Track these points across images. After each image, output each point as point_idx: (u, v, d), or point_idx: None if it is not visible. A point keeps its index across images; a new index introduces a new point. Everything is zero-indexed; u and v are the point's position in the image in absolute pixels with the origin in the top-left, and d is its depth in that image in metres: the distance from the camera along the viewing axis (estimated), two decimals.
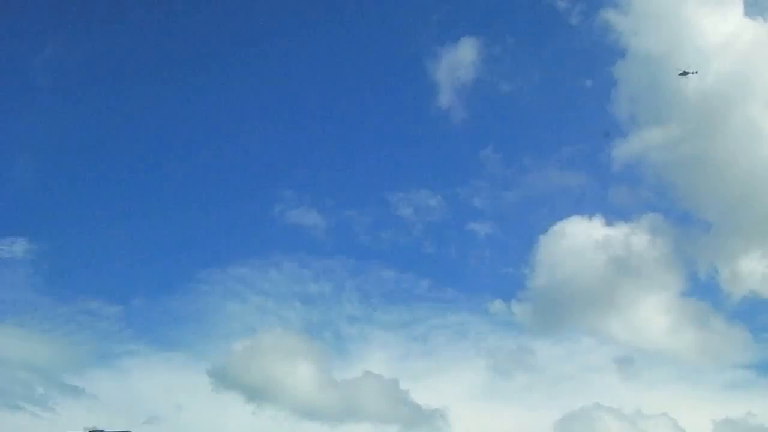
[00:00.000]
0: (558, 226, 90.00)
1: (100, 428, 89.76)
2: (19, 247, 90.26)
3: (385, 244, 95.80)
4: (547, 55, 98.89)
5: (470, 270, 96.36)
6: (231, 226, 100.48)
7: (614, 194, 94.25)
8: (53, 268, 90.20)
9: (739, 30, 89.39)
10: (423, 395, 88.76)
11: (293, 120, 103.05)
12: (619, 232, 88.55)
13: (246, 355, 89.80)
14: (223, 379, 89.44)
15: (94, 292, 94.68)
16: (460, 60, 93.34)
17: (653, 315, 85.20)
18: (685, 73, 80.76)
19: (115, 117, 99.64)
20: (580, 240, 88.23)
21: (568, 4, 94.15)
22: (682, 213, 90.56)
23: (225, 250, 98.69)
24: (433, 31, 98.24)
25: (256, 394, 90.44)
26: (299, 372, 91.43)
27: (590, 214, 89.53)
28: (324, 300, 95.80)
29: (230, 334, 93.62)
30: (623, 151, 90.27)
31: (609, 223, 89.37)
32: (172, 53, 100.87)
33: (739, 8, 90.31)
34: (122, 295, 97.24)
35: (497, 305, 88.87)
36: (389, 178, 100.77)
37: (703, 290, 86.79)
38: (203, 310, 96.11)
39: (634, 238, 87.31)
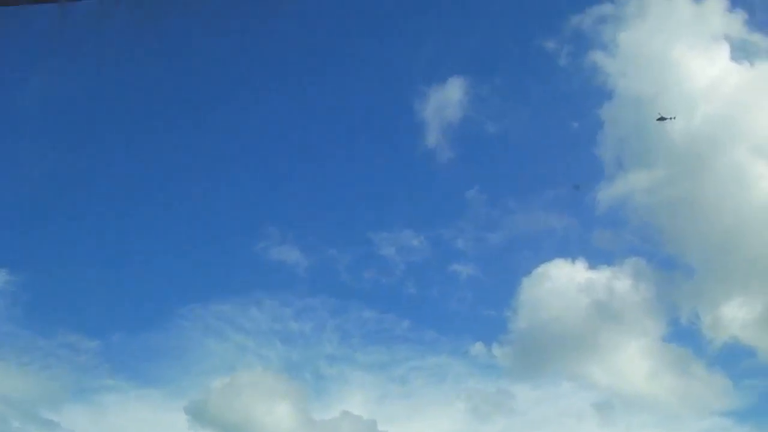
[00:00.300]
0: (541, 269, 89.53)
1: None
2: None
3: (366, 284, 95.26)
4: (535, 96, 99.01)
5: (451, 311, 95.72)
6: (213, 263, 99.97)
7: (598, 237, 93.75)
8: (33, 300, 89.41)
9: (726, 74, 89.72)
10: None
11: (278, 158, 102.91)
12: (601, 275, 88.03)
13: (224, 393, 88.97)
14: (201, 416, 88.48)
15: (73, 326, 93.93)
16: (447, 99, 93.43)
17: (634, 360, 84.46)
18: (662, 119, 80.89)
19: (99, 150, 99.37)
20: (562, 283, 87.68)
21: (557, 45, 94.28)
22: (665, 257, 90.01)
23: (206, 287, 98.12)
24: (420, 70, 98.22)
25: None
26: (277, 411, 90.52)
27: (573, 257, 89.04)
28: (304, 339, 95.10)
29: (209, 371, 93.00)
30: (608, 194, 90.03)
31: (592, 266, 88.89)
32: (159, 89, 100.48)
33: (726, 52, 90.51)
34: (101, 330, 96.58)
35: (478, 348, 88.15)
36: (373, 218, 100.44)
37: (684, 336, 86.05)
38: (182, 347, 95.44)
39: (617, 282, 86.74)
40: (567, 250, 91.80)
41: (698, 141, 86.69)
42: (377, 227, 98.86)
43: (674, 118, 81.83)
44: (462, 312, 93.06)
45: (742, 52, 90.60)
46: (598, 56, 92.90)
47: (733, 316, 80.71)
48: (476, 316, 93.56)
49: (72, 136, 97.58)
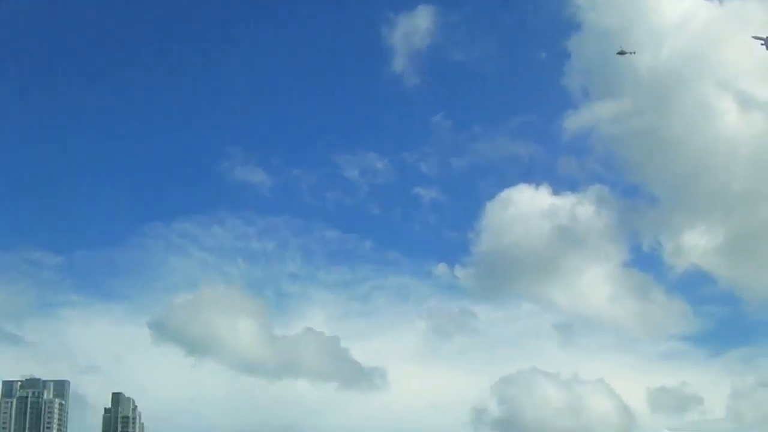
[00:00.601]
0: (505, 194, 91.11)
1: (37, 376, 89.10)
2: None
3: (330, 204, 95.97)
4: (504, 26, 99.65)
5: (414, 233, 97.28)
6: (176, 181, 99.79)
7: (562, 164, 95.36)
8: None
9: (694, 9, 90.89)
10: (363, 354, 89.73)
11: (243, 78, 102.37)
12: (565, 201, 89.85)
13: (187, 310, 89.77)
14: (164, 332, 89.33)
15: (36, 242, 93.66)
16: (415, 27, 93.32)
17: (595, 284, 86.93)
18: (623, 53, 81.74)
19: (68, 73, 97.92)
20: (526, 208, 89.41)
21: None
22: (629, 186, 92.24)
23: (169, 205, 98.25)
24: None
25: (196, 347, 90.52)
26: (240, 327, 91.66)
27: (538, 183, 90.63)
28: (267, 258, 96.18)
29: (172, 288, 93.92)
30: (574, 122, 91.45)
31: (556, 192, 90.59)
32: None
33: None
34: (65, 246, 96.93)
35: (441, 269, 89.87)
36: (338, 140, 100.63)
37: (646, 262, 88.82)
38: (146, 264, 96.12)
39: (580, 208, 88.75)
40: (531, 176, 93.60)
41: (665, 74, 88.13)
42: (342, 149, 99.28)
43: (634, 52, 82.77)
44: (425, 234, 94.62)
45: None
46: None
47: (695, 244, 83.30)
48: (439, 238, 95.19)
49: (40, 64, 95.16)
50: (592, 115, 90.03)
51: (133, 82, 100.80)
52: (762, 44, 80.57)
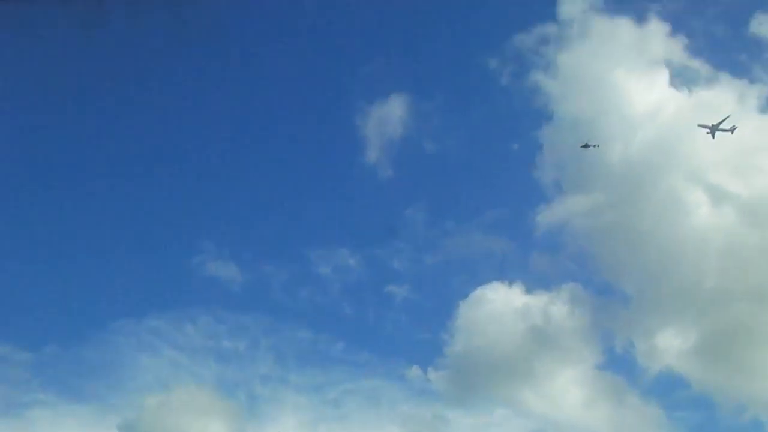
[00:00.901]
0: (478, 292, 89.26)
1: None
2: None
3: (302, 303, 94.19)
4: (476, 116, 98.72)
5: (387, 334, 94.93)
6: (147, 277, 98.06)
7: (535, 261, 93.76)
8: None
9: (664, 100, 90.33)
10: None
11: (214, 171, 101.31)
12: (538, 300, 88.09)
13: (158, 411, 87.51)
14: None
15: (4, 338, 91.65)
16: (388, 116, 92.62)
17: (569, 388, 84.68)
18: (587, 146, 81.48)
19: (37, 161, 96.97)
20: (499, 307, 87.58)
21: (499, 64, 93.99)
22: (601, 283, 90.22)
23: (140, 301, 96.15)
24: (362, 86, 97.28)
25: None
26: (211, 431, 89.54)
27: (511, 281, 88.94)
28: (238, 358, 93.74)
29: (143, 387, 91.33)
30: (547, 217, 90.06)
31: (529, 290, 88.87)
32: (89, 98, 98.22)
33: (665, 78, 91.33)
34: (33, 342, 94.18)
35: (414, 371, 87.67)
36: (309, 235, 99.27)
37: (619, 364, 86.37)
38: (116, 362, 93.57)
39: (553, 307, 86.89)
40: (504, 274, 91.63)
41: (636, 166, 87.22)
42: (314, 244, 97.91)
43: (598, 145, 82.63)
44: (397, 334, 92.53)
45: (680, 78, 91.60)
46: (539, 77, 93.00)
47: (668, 346, 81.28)
48: (412, 339, 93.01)
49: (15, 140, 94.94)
50: (565, 210, 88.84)
51: (102, 176, 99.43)
52: (708, 132, 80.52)
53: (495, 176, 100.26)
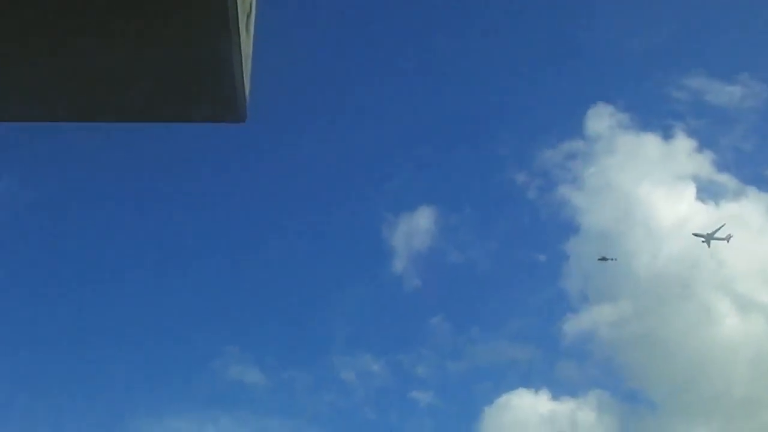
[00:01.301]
0: (504, 398, 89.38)
1: None
2: None
3: (325, 407, 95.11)
4: (503, 228, 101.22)
5: None
6: (170, 377, 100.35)
7: (562, 369, 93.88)
8: None
9: (691, 213, 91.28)
10: None
11: (241, 275, 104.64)
12: (565, 407, 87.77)
13: None
14: None
15: None
16: (416, 228, 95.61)
17: None
18: (604, 259, 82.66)
19: (59, 268, 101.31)
20: (525, 413, 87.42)
21: (527, 177, 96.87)
22: (628, 391, 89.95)
23: (162, 401, 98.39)
24: (392, 197, 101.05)
25: None
26: None
27: (537, 388, 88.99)
28: None
29: None
30: (573, 326, 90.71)
31: (555, 397, 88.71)
32: (127, 200, 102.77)
33: (692, 192, 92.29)
34: None
35: None
36: (333, 340, 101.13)
37: None
38: None
39: (580, 414, 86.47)
40: (530, 381, 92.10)
41: (663, 278, 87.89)
42: (339, 350, 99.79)
43: (616, 259, 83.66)
44: None
45: (707, 192, 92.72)
46: (566, 191, 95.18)
47: None
48: None
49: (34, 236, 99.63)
50: (591, 319, 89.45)
51: (126, 276, 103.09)
52: (703, 242, 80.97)
53: (521, 286, 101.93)
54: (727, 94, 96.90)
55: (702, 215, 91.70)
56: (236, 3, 2.71)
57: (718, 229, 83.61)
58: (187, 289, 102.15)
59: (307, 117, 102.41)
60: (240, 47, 2.88)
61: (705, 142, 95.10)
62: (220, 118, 3.13)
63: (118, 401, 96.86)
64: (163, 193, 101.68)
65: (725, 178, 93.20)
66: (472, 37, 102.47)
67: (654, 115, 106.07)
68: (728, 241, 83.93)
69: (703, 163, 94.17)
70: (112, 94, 3.10)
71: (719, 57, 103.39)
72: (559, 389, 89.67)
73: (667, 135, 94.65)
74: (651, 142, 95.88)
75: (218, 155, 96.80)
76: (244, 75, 3.01)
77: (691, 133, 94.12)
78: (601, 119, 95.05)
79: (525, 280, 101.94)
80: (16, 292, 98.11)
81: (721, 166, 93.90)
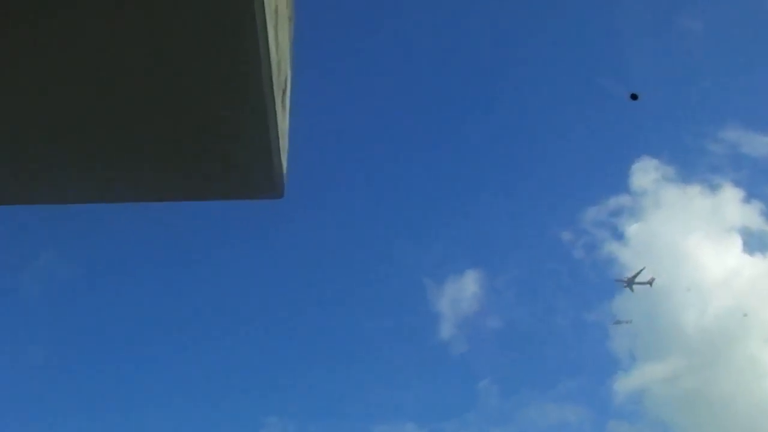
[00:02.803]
0: None
1: None
2: None
3: None
4: (549, 288, 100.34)
5: None
6: None
7: (613, 429, 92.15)
8: None
9: (739, 266, 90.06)
10: None
11: (279, 345, 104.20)
12: None
13: None
14: None
15: None
16: (462, 292, 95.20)
17: None
18: (618, 323, 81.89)
19: (103, 333, 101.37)
20: None
21: (573, 236, 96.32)
22: None
23: None
24: (436, 262, 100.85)
25: None
26: None
27: None
28: None
29: None
30: (624, 385, 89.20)
31: None
32: (165, 274, 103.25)
33: (739, 244, 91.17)
34: None
35: None
36: (376, 409, 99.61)
37: None
38: None
39: None
40: None
41: (712, 333, 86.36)
42: (381, 419, 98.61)
43: (630, 321, 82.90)
44: None
45: (754, 244, 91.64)
46: (611, 248, 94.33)
47: None
48: None
49: (76, 317, 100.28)
50: (642, 377, 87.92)
51: (162, 343, 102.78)
52: (626, 286, 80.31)
53: (570, 347, 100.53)
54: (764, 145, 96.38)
55: (750, 267, 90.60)
56: (271, 82, 2.73)
57: (639, 272, 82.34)
58: (227, 361, 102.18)
59: (343, 183, 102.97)
60: (277, 125, 2.91)
61: (752, 192, 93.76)
62: (259, 195, 3.15)
63: None
64: (202, 267, 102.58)
65: None
66: (505, 93, 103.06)
67: (698, 168, 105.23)
68: (651, 285, 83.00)
69: (750, 214, 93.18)
70: (161, 175, 3.15)
71: (753, 109, 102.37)
72: None
73: (713, 185, 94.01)
74: (697, 193, 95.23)
75: (253, 228, 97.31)
76: (281, 152, 3.03)
77: (738, 183, 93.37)
78: (646, 173, 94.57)
79: (573, 341, 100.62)
80: (68, 365, 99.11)
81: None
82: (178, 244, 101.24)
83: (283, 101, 2.99)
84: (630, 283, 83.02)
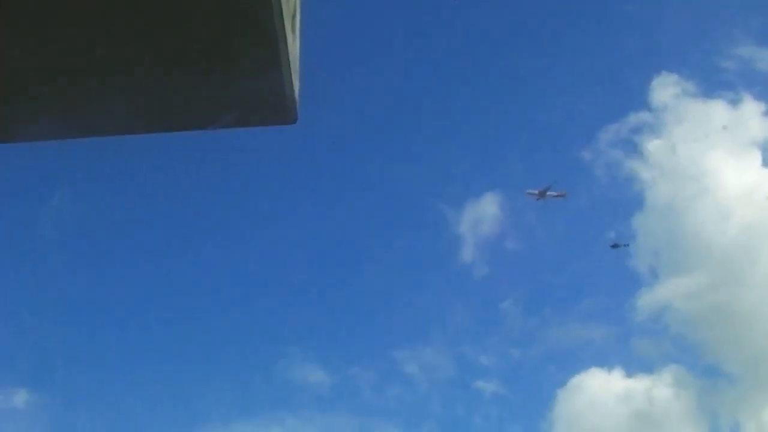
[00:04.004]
0: (576, 380, 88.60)
1: None
2: (19, 398, 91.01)
3: (390, 402, 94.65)
4: (570, 207, 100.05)
5: (481, 427, 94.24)
6: (233, 383, 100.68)
7: (636, 346, 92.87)
8: (53, 420, 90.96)
9: (759, 181, 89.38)
10: None
11: (299, 274, 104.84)
12: (640, 384, 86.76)
13: None
14: None
15: None
16: (482, 214, 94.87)
17: None
18: (616, 246, 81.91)
19: (120, 271, 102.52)
20: (599, 393, 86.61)
21: (593, 155, 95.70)
22: (706, 366, 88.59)
23: (227, 407, 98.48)
24: (457, 185, 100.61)
25: None
26: None
27: (610, 367, 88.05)
28: None
29: None
30: (646, 301, 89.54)
31: (630, 375, 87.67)
32: (184, 210, 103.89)
33: (758, 159, 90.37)
34: None
35: None
36: (395, 335, 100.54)
37: None
38: None
39: (656, 391, 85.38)
40: (604, 360, 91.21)
41: (734, 248, 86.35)
42: (402, 344, 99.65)
43: (628, 245, 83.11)
44: (493, 428, 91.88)
45: None
46: (633, 165, 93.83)
47: None
48: (513, 430, 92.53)
49: (94, 255, 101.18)
50: (665, 294, 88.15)
51: (185, 278, 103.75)
52: (537, 199, 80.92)
53: (593, 265, 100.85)
54: None
55: None
56: (281, 7, 2.68)
57: (550, 186, 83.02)
58: (249, 294, 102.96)
59: (359, 105, 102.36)
60: (287, 50, 2.86)
61: None
62: (272, 121, 3.11)
63: (183, 409, 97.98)
64: (222, 199, 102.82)
65: None
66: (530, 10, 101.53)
67: (718, 82, 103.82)
68: (565, 197, 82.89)
69: None
70: (171, 107, 3.13)
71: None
72: (634, 367, 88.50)
73: (734, 100, 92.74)
74: (718, 108, 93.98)
75: (268, 154, 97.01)
76: (293, 76, 2.98)
77: (758, 96, 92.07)
78: (666, 88, 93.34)
79: (596, 259, 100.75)
80: (79, 303, 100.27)
81: None
82: (193, 174, 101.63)
83: (293, 26, 2.94)
84: (542, 195, 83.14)
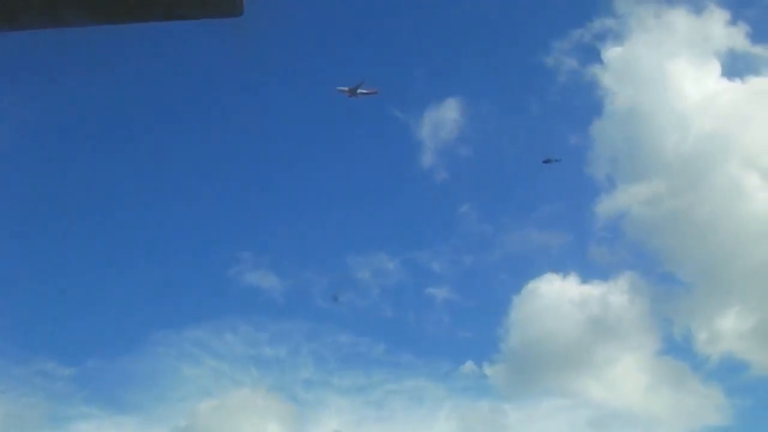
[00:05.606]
0: (531, 285, 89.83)
1: None
2: None
3: (341, 307, 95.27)
4: (531, 113, 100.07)
5: (432, 333, 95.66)
6: (186, 288, 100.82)
7: (593, 253, 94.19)
8: (6, 327, 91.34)
9: (718, 91, 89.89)
10: None
11: (251, 178, 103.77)
12: (595, 290, 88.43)
13: (204, 419, 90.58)
14: None
15: (47, 353, 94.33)
16: (443, 119, 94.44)
17: (628, 375, 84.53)
18: (548, 161, 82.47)
19: (76, 178, 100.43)
20: (555, 299, 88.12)
21: (556, 61, 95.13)
22: (661, 273, 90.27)
23: (180, 312, 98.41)
24: (417, 89, 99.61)
25: None
26: None
27: (565, 273, 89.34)
28: (279, 364, 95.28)
29: (186, 397, 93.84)
30: (603, 209, 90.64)
31: (585, 281, 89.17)
32: (140, 102, 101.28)
33: (717, 69, 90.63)
34: (76, 357, 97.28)
35: (468, 367, 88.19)
36: (350, 240, 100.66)
37: (679, 350, 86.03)
38: (158, 373, 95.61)
39: (611, 297, 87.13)
40: (560, 266, 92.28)
41: (692, 157, 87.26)
42: (356, 250, 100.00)
43: (560, 160, 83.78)
44: (448, 332, 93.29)
45: (733, 69, 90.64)
46: (594, 72, 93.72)
47: (727, 330, 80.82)
48: (464, 335, 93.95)
49: (46, 153, 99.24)
50: (621, 201, 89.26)
51: (137, 188, 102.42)
52: (349, 96, 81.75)
53: (552, 171, 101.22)
54: None
55: (729, 92, 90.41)
56: None
57: (360, 83, 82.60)
58: (199, 199, 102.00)
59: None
60: None
61: (738, 13, 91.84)
62: (218, 14, 3.12)
63: (135, 314, 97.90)
64: (174, 98, 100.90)
65: (756, 51, 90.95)
66: None
67: None
68: (376, 94, 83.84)
69: (736, 36, 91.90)
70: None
71: None
72: (590, 273, 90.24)
73: (699, 7, 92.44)
74: (681, 16, 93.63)
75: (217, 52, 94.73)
76: None
77: (723, 4, 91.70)
78: None
79: (555, 165, 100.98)
80: (29, 207, 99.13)
81: (753, 39, 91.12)
82: (145, 72, 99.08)
83: None
84: (353, 93, 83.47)
